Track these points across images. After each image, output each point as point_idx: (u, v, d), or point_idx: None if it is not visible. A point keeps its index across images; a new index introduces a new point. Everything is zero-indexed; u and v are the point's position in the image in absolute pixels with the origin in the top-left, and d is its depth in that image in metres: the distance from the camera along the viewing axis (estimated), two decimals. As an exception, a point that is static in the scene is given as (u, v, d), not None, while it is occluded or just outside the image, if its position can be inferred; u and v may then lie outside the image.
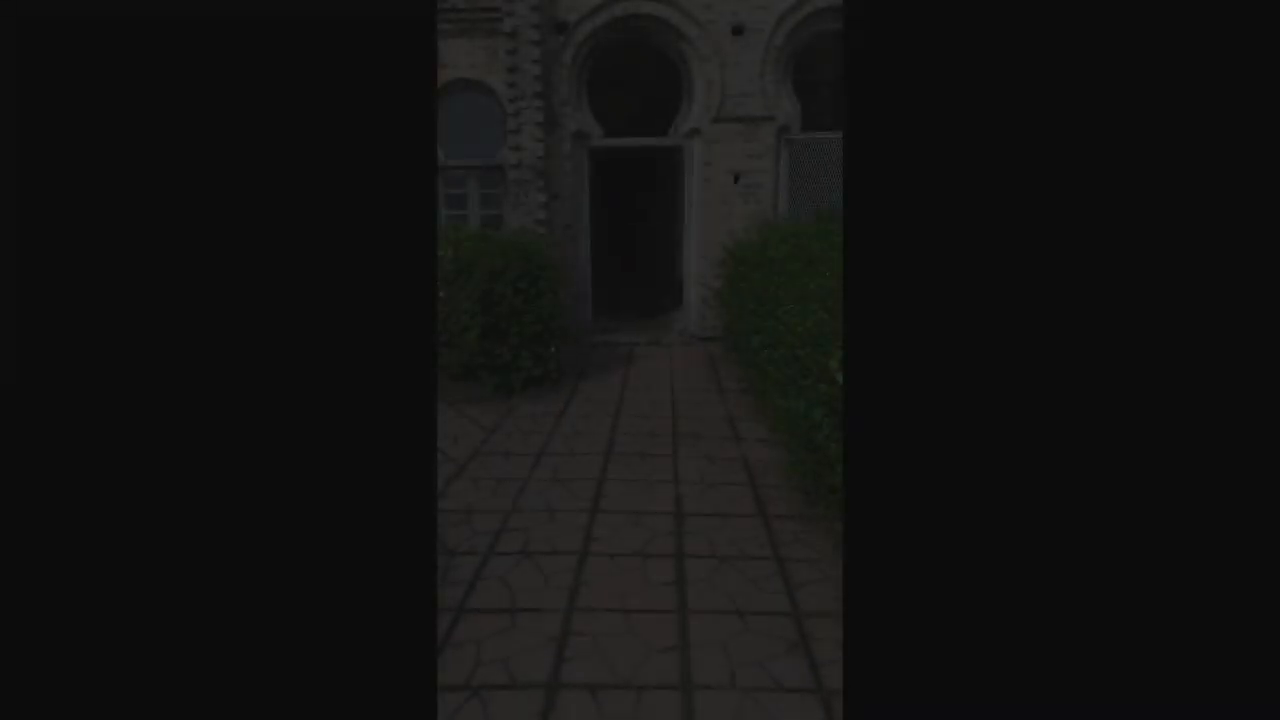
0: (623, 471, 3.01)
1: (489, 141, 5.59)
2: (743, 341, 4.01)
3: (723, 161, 5.46)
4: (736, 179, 5.50)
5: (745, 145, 5.44)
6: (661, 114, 5.63)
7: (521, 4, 5.01)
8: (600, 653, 1.78)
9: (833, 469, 2.25)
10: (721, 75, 5.31)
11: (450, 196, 5.94)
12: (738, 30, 5.26)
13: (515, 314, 4.03)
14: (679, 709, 1.59)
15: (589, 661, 1.75)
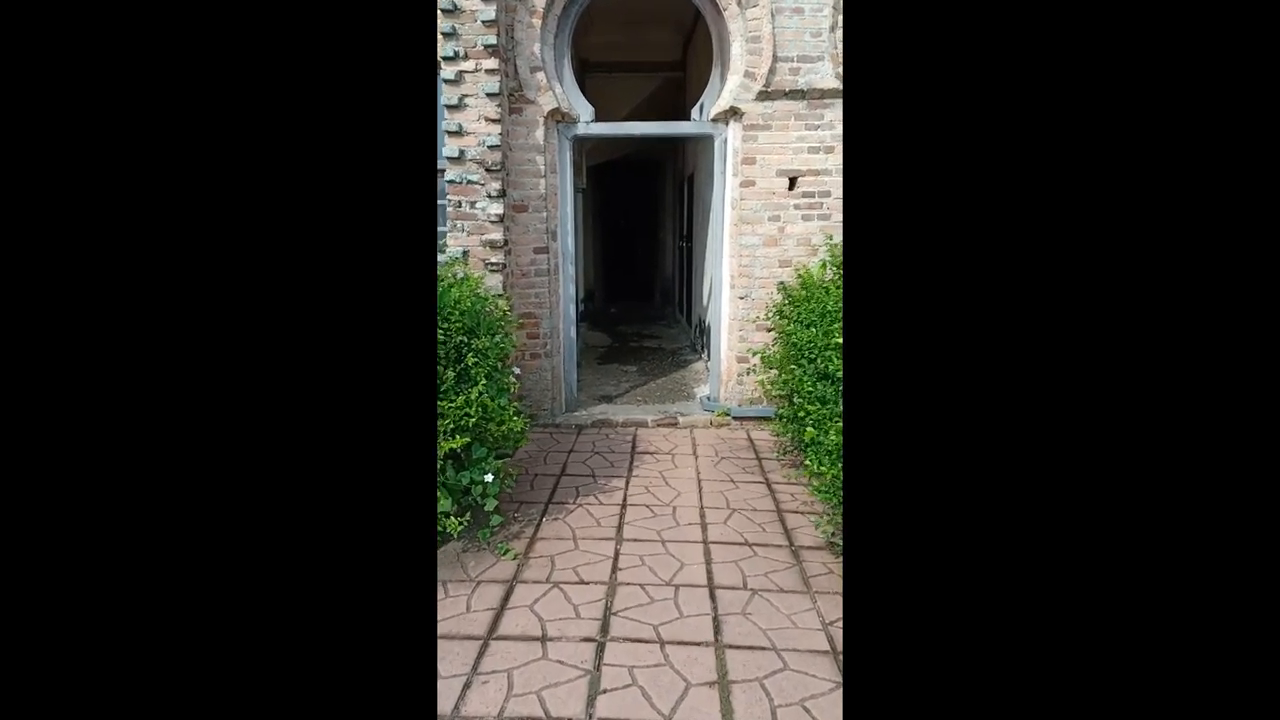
0: None
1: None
2: (828, 452, 2.15)
3: (772, 157, 3.64)
4: (793, 183, 3.68)
5: (807, 133, 3.62)
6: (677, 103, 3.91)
7: (468, -88, 3.23)
8: None
9: None
10: (773, 29, 3.51)
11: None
12: (798, -40, 3.49)
13: (420, 417, 2.17)
14: None
15: None
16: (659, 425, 3.86)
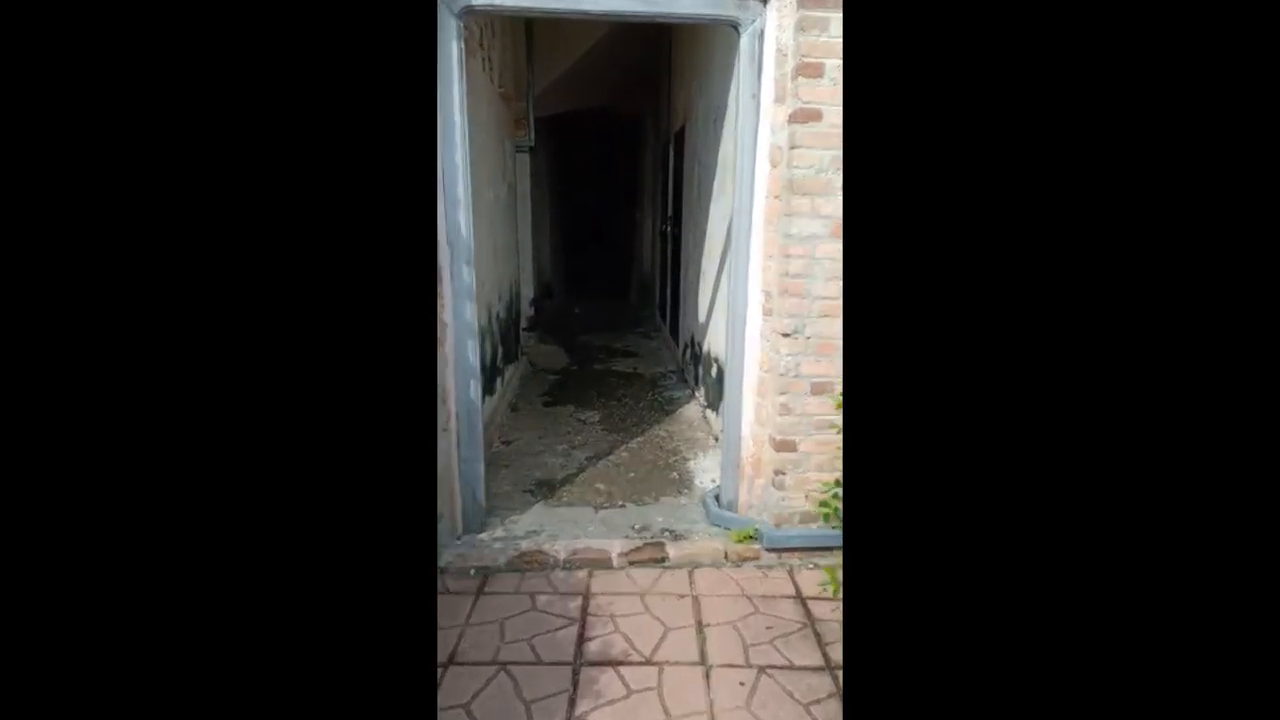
0: None
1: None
2: None
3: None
4: (886, 118, 1.92)
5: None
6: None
7: None
8: None
9: None
10: None
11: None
12: None
13: None
14: None
15: None
16: (634, 563, 2.12)
